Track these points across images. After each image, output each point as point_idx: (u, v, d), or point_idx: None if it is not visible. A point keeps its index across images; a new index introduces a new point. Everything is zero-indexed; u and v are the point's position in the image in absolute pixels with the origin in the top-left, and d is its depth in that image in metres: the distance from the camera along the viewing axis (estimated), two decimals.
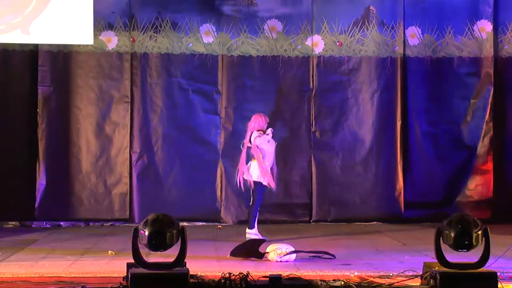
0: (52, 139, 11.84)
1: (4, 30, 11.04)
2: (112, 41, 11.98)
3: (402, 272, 7.03)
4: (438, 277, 6.28)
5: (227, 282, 6.41)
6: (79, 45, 11.77)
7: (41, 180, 11.76)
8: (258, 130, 10.07)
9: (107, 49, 11.97)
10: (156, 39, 12.01)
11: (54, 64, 11.89)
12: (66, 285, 6.68)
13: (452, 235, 6.27)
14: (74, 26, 11.15)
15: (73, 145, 11.91)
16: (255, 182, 9.97)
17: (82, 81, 11.97)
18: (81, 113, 11.96)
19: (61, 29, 11.13)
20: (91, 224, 11.90)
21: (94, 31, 11.42)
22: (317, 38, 12.19)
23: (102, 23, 11.87)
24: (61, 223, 11.83)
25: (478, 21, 12.25)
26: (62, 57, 11.91)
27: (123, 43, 11.99)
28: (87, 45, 11.76)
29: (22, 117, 11.87)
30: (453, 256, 6.45)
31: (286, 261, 8.20)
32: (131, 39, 11.99)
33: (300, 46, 12.18)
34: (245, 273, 6.46)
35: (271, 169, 9.96)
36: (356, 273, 7.24)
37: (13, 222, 11.77)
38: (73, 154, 11.90)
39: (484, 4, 12.24)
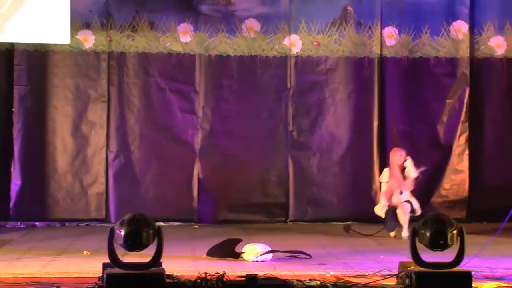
0: (28, 138, 11.78)
1: None
2: (89, 40, 11.94)
3: (378, 272, 7.05)
4: (414, 276, 6.31)
5: (203, 282, 6.40)
6: (55, 44, 11.71)
7: (16, 180, 11.69)
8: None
9: (84, 48, 11.93)
10: (133, 38, 11.98)
11: (30, 63, 11.82)
12: (41, 285, 6.65)
13: (428, 234, 6.30)
14: (50, 25, 11.11)
15: (49, 145, 11.85)
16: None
17: (59, 80, 11.92)
18: (58, 113, 11.91)
19: (38, 28, 11.09)
20: (66, 224, 11.84)
21: (71, 30, 11.38)
22: (294, 37, 12.21)
23: (79, 22, 11.82)
24: (36, 223, 11.76)
25: (455, 21, 12.31)
26: (39, 56, 11.84)
27: (100, 42, 11.95)
28: (63, 44, 11.70)
29: None
30: (429, 256, 6.47)
31: (263, 261, 8.20)
32: (108, 38, 11.95)
33: (278, 45, 12.19)
34: (221, 273, 6.46)
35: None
36: (332, 273, 7.26)
37: None
38: (49, 154, 11.84)
39: (460, 4, 12.30)
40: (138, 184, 11.94)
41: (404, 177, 10.36)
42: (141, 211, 6.55)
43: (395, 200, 10.35)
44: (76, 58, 11.93)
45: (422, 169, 10.50)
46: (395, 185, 10.37)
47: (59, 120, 11.91)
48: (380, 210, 10.51)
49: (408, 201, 10.34)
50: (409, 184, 10.35)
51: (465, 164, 12.28)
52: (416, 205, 10.36)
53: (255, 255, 8.23)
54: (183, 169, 12.01)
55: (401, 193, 10.36)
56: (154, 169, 11.98)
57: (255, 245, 8.39)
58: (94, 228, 11.59)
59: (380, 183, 10.75)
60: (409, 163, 10.37)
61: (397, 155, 10.43)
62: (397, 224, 10.35)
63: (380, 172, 11.91)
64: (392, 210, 10.38)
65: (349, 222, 11.42)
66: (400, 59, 12.31)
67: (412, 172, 10.35)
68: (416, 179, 10.46)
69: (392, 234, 10.39)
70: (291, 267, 7.72)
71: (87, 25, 11.90)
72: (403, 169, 10.41)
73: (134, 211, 6.45)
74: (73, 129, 11.90)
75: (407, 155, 10.46)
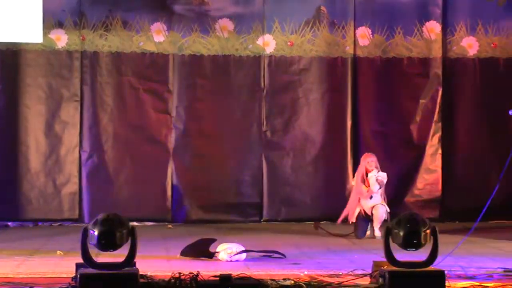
0: (0, 138, 11.70)
1: None
2: (61, 39, 11.88)
3: (351, 271, 7.07)
4: (387, 275, 6.33)
5: (177, 281, 6.39)
6: (28, 43, 11.64)
7: None
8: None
9: (56, 47, 11.87)
10: (106, 38, 11.94)
11: (2, 63, 11.75)
12: (14, 285, 6.60)
13: (401, 234, 6.32)
14: (23, 24, 11.05)
15: (21, 144, 11.78)
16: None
17: (31, 79, 11.85)
18: (30, 112, 11.85)
19: (10, 27, 11.02)
20: (39, 224, 11.78)
21: (43, 29, 11.32)
22: (268, 37, 12.22)
23: (51, 21, 11.76)
24: (9, 224, 11.69)
25: (427, 22, 12.38)
26: (11, 55, 11.77)
27: (73, 42, 11.90)
28: (36, 43, 11.63)
29: None
30: (402, 255, 6.51)
31: (237, 261, 8.20)
32: (81, 38, 11.90)
33: (251, 45, 12.20)
34: (195, 273, 6.45)
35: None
36: (306, 272, 7.27)
37: None
38: (22, 153, 11.77)
39: (433, 5, 12.37)
40: (112, 184, 11.90)
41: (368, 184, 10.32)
42: (114, 211, 6.53)
43: (364, 205, 10.33)
44: (49, 57, 11.87)
45: (384, 198, 10.41)
46: (359, 191, 10.33)
47: (31, 119, 11.84)
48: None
49: (382, 204, 10.30)
50: (366, 193, 10.24)
51: (438, 163, 12.36)
52: (387, 209, 10.32)
53: (229, 254, 8.23)
54: (157, 169, 11.98)
55: (370, 197, 10.33)
56: (128, 169, 11.95)
57: (229, 244, 8.39)
58: (67, 228, 11.54)
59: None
60: (372, 175, 10.29)
61: (367, 161, 10.38)
62: (366, 232, 10.32)
63: (354, 171, 11.98)
64: (361, 217, 10.34)
65: (320, 222, 11.44)
66: (373, 59, 12.36)
67: (374, 185, 10.30)
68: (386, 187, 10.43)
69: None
70: (265, 266, 7.72)
71: (60, 24, 11.85)
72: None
73: (108, 211, 6.42)
74: (45, 129, 11.84)
75: (378, 161, 10.40)
